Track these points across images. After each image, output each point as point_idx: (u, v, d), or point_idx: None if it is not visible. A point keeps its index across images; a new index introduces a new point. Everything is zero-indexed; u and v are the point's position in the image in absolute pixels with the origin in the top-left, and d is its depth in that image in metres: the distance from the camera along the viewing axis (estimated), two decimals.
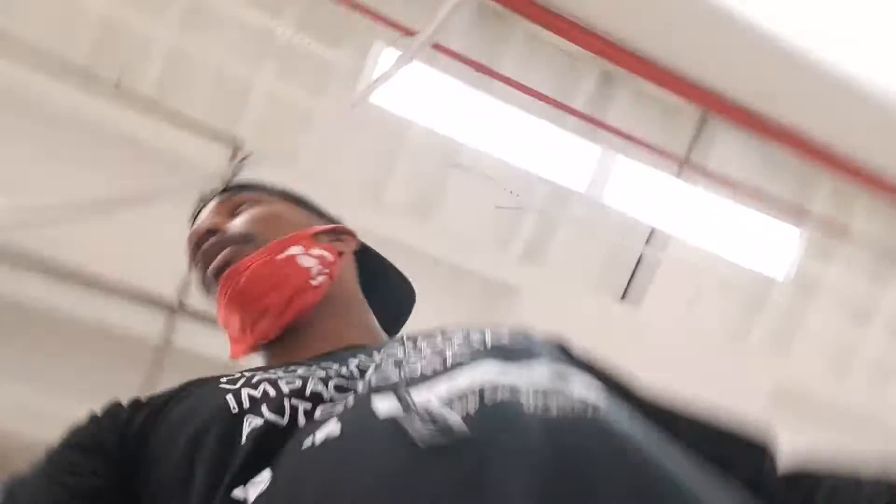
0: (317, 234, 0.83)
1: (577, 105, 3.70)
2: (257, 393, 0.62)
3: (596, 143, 3.76)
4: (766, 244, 4.09)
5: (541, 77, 3.64)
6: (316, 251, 0.81)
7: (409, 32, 3.14)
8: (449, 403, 0.50)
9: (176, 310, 3.04)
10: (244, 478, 0.54)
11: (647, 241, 4.03)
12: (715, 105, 3.81)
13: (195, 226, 0.88)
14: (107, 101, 2.93)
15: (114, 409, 0.68)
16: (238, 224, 0.83)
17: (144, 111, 3.00)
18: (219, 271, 0.79)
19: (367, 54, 3.17)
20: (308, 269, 0.79)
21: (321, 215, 0.94)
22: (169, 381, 0.73)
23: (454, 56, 3.30)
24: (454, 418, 0.48)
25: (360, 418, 0.53)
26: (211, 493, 0.55)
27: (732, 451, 0.56)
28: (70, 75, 2.91)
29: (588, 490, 0.43)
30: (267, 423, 0.58)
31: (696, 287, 4.03)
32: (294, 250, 0.79)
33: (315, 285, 0.79)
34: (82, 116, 2.93)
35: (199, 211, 0.92)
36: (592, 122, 3.69)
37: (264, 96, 3.31)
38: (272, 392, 0.62)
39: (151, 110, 3.02)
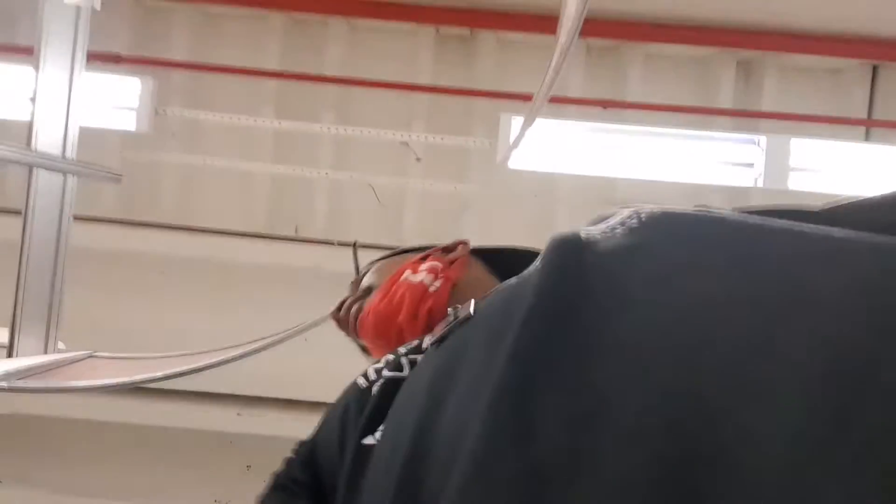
0: (423, 258, 0.92)
1: (725, 104, 3.51)
2: (380, 363, 0.71)
3: (760, 134, 3.50)
4: None
5: (676, 90, 3.52)
6: (423, 267, 0.88)
7: (529, 98, 3.23)
8: None
9: None
10: (372, 428, 0.61)
11: None
12: (884, 52, 3.43)
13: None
14: (287, 246, 3.28)
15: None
16: (358, 286, 0.98)
17: (320, 246, 3.31)
18: (355, 326, 0.91)
19: (496, 130, 3.28)
20: (421, 282, 0.85)
21: (428, 248, 1.03)
22: None
23: (578, 101, 3.32)
24: None
25: None
26: (351, 447, 0.63)
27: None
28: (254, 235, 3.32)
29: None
30: (387, 379, 0.65)
31: None
32: (403, 276, 0.88)
33: (433, 291, 0.85)
34: (267, 265, 3.31)
35: None
36: (745, 115, 3.46)
37: (417, 199, 3.53)
38: (391, 356, 0.70)
39: (326, 244, 3.33)
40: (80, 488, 3.50)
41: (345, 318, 0.95)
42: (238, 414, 3.29)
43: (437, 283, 0.85)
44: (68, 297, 1.79)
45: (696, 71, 3.63)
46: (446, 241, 1.00)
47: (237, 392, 3.40)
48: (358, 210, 3.63)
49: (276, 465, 0.76)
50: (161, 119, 3.16)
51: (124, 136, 3.39)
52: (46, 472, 3.55)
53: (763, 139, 3.40)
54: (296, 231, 3.56)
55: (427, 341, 0.69)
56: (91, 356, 1.38)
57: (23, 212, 1.54)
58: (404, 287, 0.86)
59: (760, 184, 3.39)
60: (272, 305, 3.34)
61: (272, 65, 3.62)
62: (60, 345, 1.51)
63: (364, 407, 0.65)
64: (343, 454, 0.65)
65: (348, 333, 0.96)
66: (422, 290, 0.84)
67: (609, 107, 3.30)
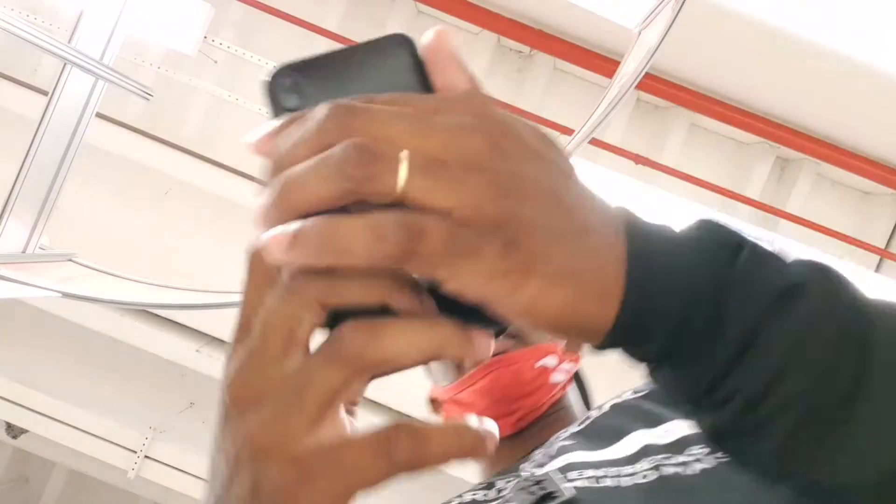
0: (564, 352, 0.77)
1: (753, 194, 3.51)
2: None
3: (777, 233, 3.50)
4: None
5: (709, 166, 3.53)
6: (566, 366, 0.74)
7: (569, 131, 3.22)
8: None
9: None
10: None
11: None
12: None
13: None
14: None
15: None
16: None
17: None
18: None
19: None
20: (555, 386, 0.72)
21: None
22: None
23: (613, 150, 3.31)
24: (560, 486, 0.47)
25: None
26: None
27: None
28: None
29: None
30: None
31: None
32: (549, 361, 0.73)
33: (552, 397, 0.74)
34: None
35: None
36: (770, 211, 3.47)
37: None
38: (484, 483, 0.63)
39: None
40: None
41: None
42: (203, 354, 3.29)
43: (558, 391, 0.73)
44: (70, 192, 1.78)
45: (735, 154, 3.63)
46: None
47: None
48: None
49: None
50: (207, 46, 3.15)
51: (167, 52, 3.39)
52: None
53: (779, 239, 3.40)
54: None
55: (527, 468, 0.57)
56: (70, 260, 1.37)
57: (46, 100, 1.54)
58: (543, 379, 0.71)
59: None
60: None
61: (330, 25, 3.61)
62: (45, 239, 1.51)
63: None
64: None
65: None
66: (549, 395, 0.71)
67: (641, 163, 3.30)
